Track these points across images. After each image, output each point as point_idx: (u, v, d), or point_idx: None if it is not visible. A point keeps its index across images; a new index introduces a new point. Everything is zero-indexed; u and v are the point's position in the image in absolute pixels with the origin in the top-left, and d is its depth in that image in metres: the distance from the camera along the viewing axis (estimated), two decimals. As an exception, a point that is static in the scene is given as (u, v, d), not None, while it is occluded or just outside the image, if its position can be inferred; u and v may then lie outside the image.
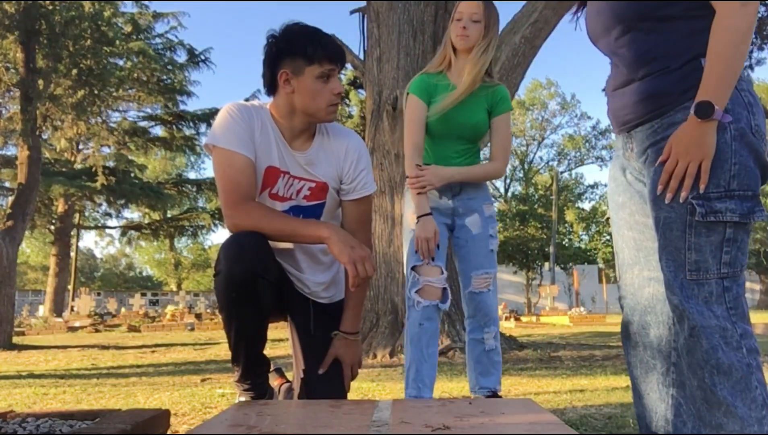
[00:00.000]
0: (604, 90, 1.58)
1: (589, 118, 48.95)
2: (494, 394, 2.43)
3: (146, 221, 21.11)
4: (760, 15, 9.88)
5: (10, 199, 8.63)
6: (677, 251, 1.34)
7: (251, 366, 1.83)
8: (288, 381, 2.13)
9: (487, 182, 2.54)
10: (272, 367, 2.12)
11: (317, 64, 1.74)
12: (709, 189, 1.29)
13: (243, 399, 1.88)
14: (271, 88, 1.81)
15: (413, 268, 2.26)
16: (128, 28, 14.30)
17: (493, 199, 2.54)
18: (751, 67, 10.29)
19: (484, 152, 2.57)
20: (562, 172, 38.63)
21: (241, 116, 1.77)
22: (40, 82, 8.25)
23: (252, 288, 1.64)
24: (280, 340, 6.84)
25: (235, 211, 1.71)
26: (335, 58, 1.76)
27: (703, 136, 1.27)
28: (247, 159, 1.74)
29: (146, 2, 15.60)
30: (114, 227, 23.08)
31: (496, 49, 6.88)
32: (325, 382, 1.83)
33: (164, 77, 16.60)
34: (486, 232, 2.38)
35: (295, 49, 1.74)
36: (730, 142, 1.28)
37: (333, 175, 1.88)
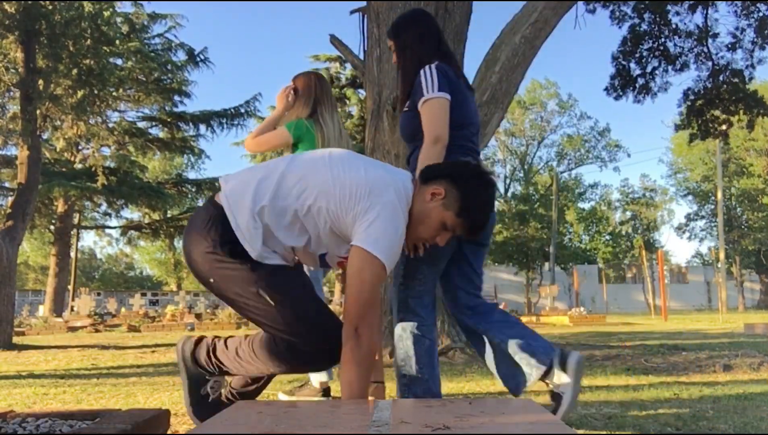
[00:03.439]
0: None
1: (588, 117, 48.98)
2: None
3: (146, 221, 21.10)
4: (761, 14, 9.87)
5: (10, 199, 8.62)
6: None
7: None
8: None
9: None
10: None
11: (460, 220, 1.78)
12: None
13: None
14: (427, 178, 1.83)
15: None
16: (125, 28, 14.30)
17: None
18: (752, 66, 10.29)
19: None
20: (561, 172, 38.65)
21: (402, 235, 1.76)
22: (40, 82, 8.24)
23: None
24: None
25: (372, 313, 1.69)
26: (471, 234, 1.84)
27: None
28: None
29: (143, 2, 15.60)
30: (114, 227, 23.08)
31: (497, 49, 6.83)
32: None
33: (163, 77, 16.60)
34: None
35: (468, 197, 1.78)
36: None
37: None
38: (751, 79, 10.47)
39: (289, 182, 1.76)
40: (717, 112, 10.45)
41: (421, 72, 2.19)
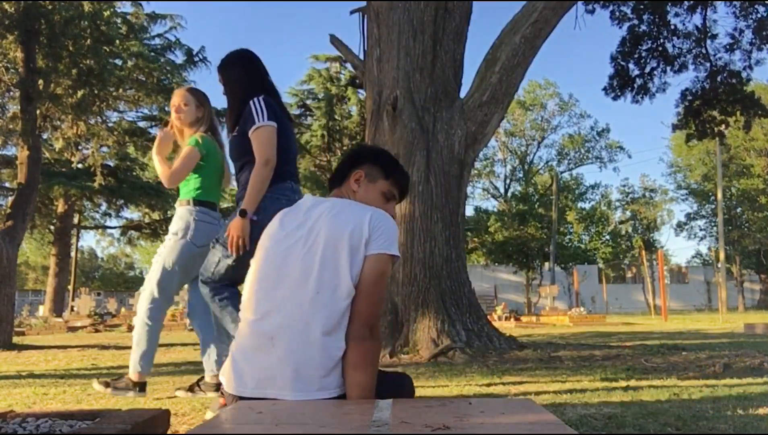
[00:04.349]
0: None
1: (588, 117, 48.97)
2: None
3: (146, 221, 21.10)
4: (760, 15, 9.88)
5: (10, 199, 8.62)
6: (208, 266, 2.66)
7: None
8: None
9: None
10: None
11: (390, 182, 1.86)
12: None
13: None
14: (341, 179, 1.87)
15: None
16: (125, 29, 14.30)
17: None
18: (750, 67, 10.31)
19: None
20: (562, 172, 38.64)
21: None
22: (40, 82, 8.24)
23: None
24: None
25: (380, 311, 1.71)
26: (403, 192, 1.93)
27: (244, 224, 2.49)
28: None
29: (143, 2, 15.59)
30: (114, 227, 23.10)
31: (497, 49, 6.85)
32: None
33: (163, 78, 16.58)
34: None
35: (379, 160, 1.88)
36: (247, 225, 2.51)
37: None
38: (748, 80, 10.50)
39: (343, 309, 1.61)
40: (714, 113, 10.47)
41: (251, 103, 2.59)
